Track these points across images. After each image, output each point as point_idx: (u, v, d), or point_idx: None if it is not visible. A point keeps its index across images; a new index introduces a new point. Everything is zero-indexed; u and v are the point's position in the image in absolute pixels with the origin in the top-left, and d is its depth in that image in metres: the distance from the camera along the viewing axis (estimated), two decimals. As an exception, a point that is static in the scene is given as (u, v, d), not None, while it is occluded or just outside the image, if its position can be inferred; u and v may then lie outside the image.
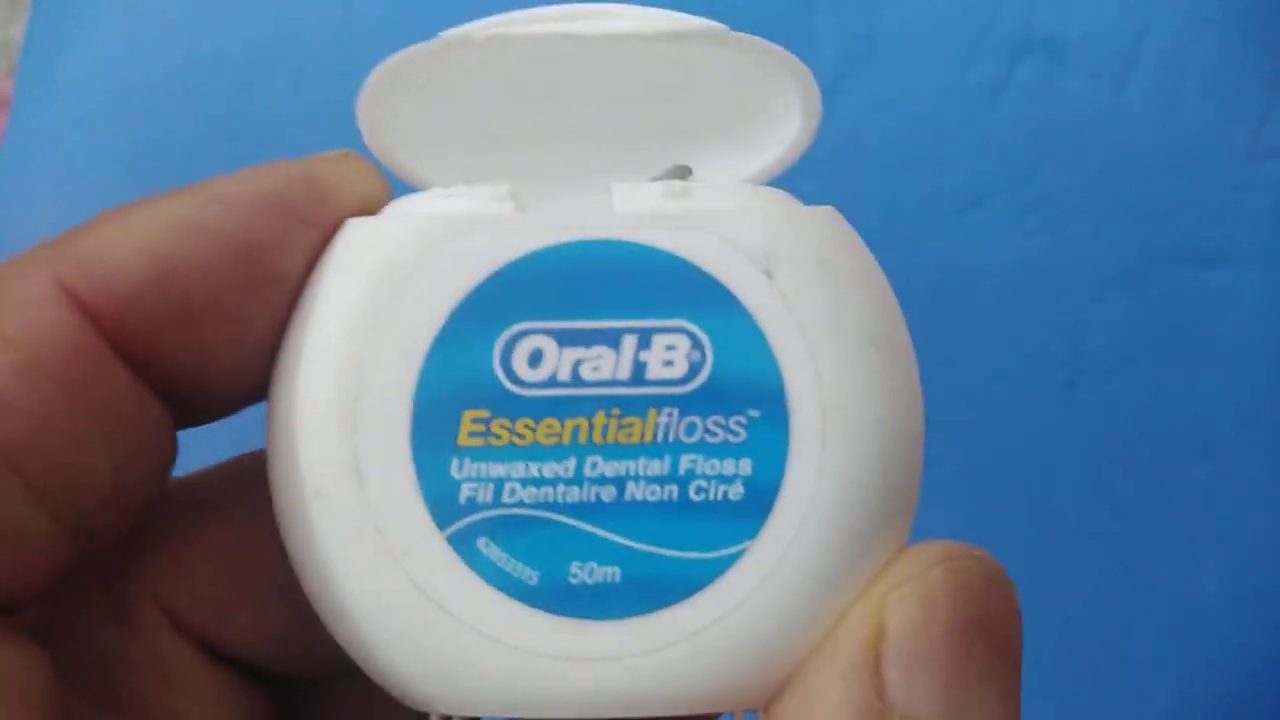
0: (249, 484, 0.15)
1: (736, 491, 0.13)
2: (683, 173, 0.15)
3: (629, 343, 0.13)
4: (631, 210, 0.13)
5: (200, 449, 0.16)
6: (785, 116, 0.15)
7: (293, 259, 0.14)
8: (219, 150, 0.37)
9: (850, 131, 0.35)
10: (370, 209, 0.15)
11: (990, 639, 0.13)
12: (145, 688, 0.15)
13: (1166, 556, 0.34)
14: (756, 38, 0.14)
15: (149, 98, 0.38)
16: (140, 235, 0.13)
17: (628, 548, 0.13)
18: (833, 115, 0.35)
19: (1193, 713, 0.33)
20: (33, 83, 0.39)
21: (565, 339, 0.13)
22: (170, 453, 0.14)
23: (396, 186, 0.15)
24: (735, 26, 0.14)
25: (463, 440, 0.13)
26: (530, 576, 0.13)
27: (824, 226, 0.14)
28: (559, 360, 0.13)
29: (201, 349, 0.14)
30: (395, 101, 0.15)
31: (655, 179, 0.15)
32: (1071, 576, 0.34)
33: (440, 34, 0.14)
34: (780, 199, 0.14)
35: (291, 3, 0.38)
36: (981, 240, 0.35)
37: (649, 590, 0.13)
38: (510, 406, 0.13)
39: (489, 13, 0.14)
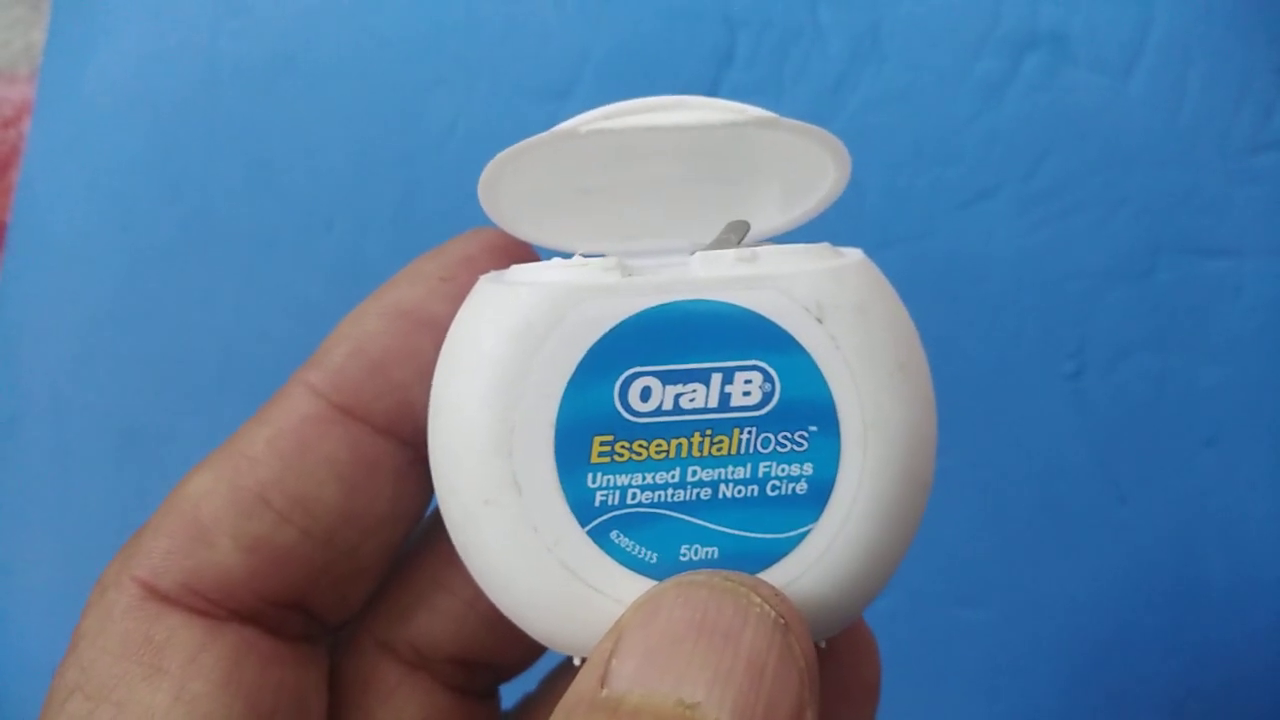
0: (426, 540, 0.21)
1: (801, 488, 0.17)
2: (742, 226, 0.19)
3: (716, 379, 0.17)
4: (712, 275, 0.17)
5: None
6: (822, 175, 0.19)
7: (438, 308, 0.19)
8: (238, 154, 0.37)
9: (857, 125, 0.36)
10: (487, 266, 0.19)
11: (707, 634, 0.15)
12: (350, 691, 0.20)
13: (1172, 543, 0.35)
14: (800, 122, 0.18)
15: (169, 102, 0.38)
16: (343, 329, 0.18)
17: (722, 533, 0.17)
18: (840, 109, 0.37)
19: (1198, 698, 0.34)
20: (54, 87, 0.39)
21: (667, 378, 0.17)
22: (399, 483, 0.19)
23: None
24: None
25: (594, 458, 0.17)
26: (651, 557, 0.17)
27: (860, 278, 0.17)
28: (663, 395, 0.17)
29: (392, 390, 0.18)
30: (510, 178, 0.19)
31: (722, 232, 0.19)
32: (1078, 563, 0.35)
33: (552, 129, 0.18)
34: (825, 254, 0.18)
35: (311, 9, 0.38)
36: (988, 232, 0.35)
37: (739, 563, 0.17)
38: (628, 431, 0.17)
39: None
